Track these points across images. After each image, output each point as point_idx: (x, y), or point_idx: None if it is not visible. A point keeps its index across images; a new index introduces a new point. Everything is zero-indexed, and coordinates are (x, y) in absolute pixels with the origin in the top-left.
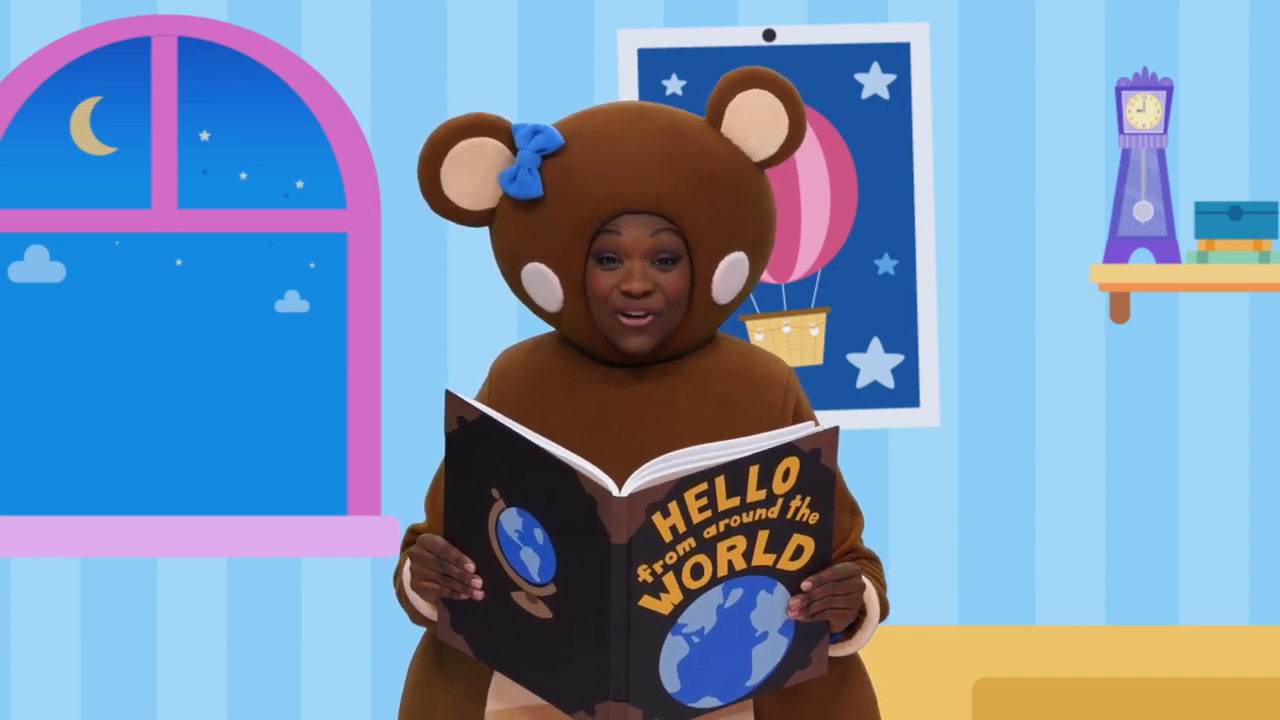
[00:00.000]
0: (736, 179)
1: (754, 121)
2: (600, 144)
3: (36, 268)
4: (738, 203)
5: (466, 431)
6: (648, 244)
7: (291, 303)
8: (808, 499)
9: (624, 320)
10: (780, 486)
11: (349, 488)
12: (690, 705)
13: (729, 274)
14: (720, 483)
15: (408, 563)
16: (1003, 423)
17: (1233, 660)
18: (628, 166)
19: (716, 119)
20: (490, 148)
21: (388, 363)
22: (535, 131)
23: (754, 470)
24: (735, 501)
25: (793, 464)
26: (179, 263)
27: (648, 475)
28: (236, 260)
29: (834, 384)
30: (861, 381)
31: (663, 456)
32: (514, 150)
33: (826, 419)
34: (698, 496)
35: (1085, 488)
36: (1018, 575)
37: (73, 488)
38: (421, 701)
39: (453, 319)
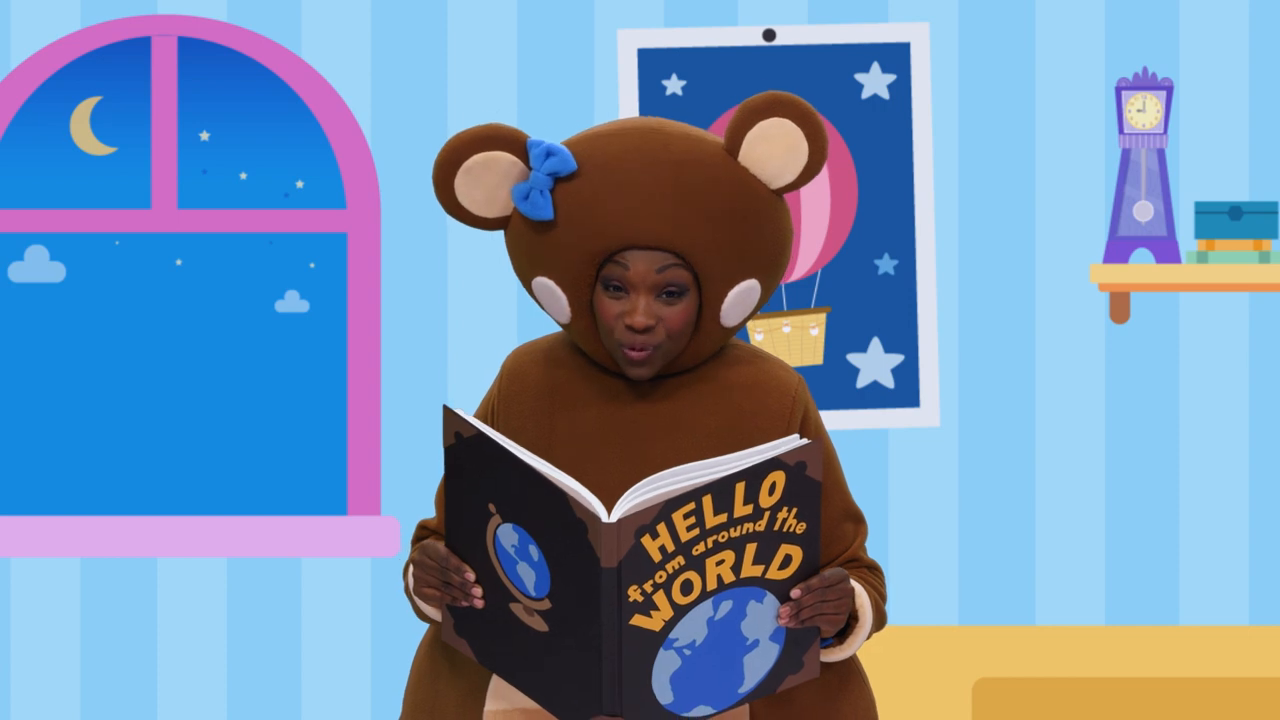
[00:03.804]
0: (751, 211)
1: (772, 151)
2: (612, 174)
3: (36, 268)
4: (750, 235)
5: (463, 446)
6: (654, 279)
7: (291, 303)
8: (794, 510)
9: (627, 353)
10: (767, 500)
11: (349, 488)
12: (684, 715)
13: (739, 300)
14: (707, 501)
15: (411, 568)
16: (1003, 423)
17: (1232, 660)
18: (638, 201)
19: (734, 147)
20: (504, 161)
21: (388, 363)
22: (549, 153)
23: (740, 487)
24: (723, 518)
25: (779, 478)
26: (179, 263)
27: (636, 498)
28: (236, 260)
29: (834, 384)
30: (861, 381)
31: (651, 477)
32: (528, 164)
33: (826, 419)
34: (685, 516)
35: (1085, 488)
36: (1018, 575)
37: (73, 488)
38: (428, 693)
39: (453, 319)
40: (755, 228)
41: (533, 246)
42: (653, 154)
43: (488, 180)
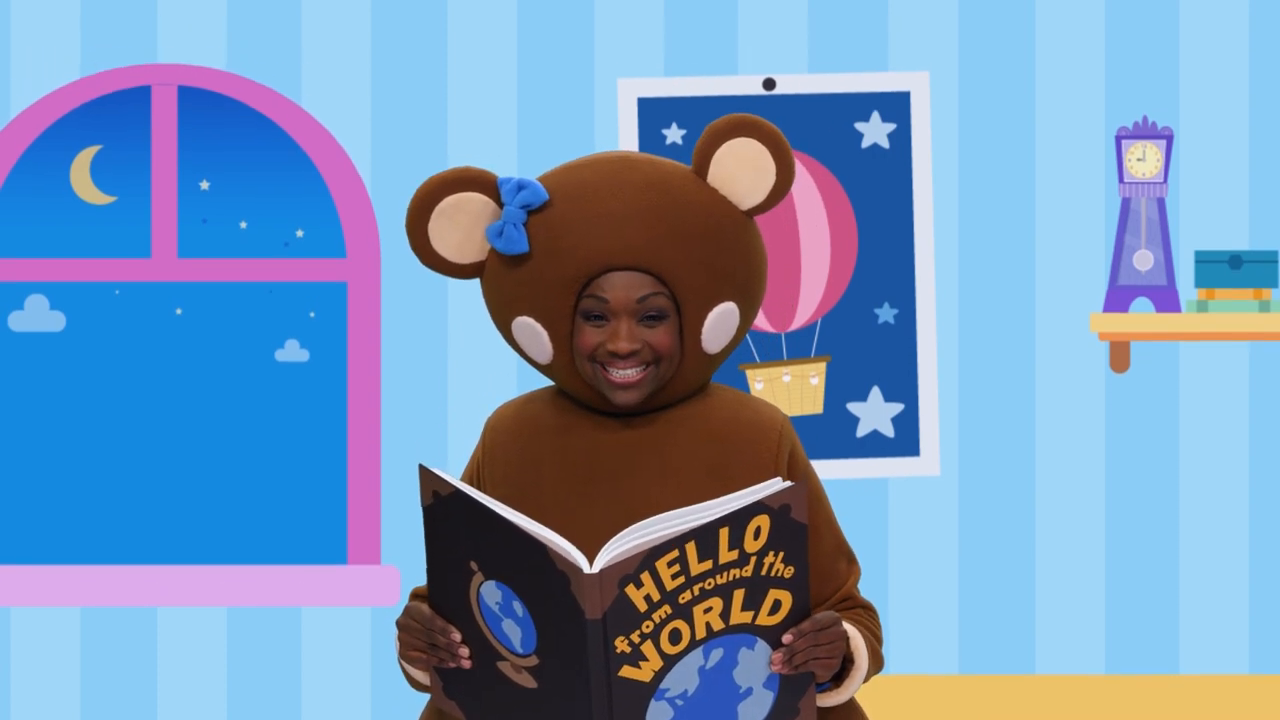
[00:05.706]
0: (722, 230)
1: (740, 171)
2: (584, 199)
3: (37, 317)
4: (724, 253)
5: (441, 505)
6: (634, 306)
7: (291, 352)
8: (781, 554)
9: (612, 378)
10: (752, 545)
11: (349, 537)
12: None
13: (718, 324)
14: (691, 548)
15: (397, 632)
16: (1003, 472)
17: (1232, 709)
18: (612, 222)
19: (702, 169)
20: (476, 202)
21: (388, 412)
22: (520, 187)
23: (724, 532)
24: (708, 565)
25: (763, 522)
26: (179, 312)
27: (619, 547)
28: (236, 309)
29: (834, 433)
30: (861, 430)
31: (633, 526)
32: (500, 204)
33: (826, 468)
34: (670, 564)
35: (1085, 536)
36: (1018, 624)
37: (73, 537)
38: None
39: (452, 368)
40: (728, 246)
41: (510, 284)
42: (622, 177)
43: (462, 221)
